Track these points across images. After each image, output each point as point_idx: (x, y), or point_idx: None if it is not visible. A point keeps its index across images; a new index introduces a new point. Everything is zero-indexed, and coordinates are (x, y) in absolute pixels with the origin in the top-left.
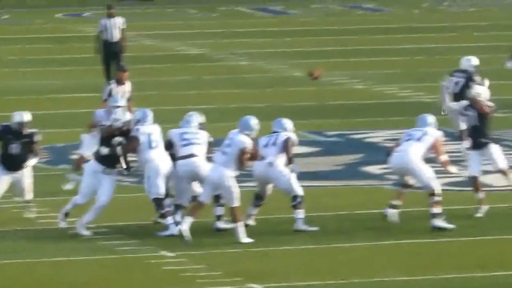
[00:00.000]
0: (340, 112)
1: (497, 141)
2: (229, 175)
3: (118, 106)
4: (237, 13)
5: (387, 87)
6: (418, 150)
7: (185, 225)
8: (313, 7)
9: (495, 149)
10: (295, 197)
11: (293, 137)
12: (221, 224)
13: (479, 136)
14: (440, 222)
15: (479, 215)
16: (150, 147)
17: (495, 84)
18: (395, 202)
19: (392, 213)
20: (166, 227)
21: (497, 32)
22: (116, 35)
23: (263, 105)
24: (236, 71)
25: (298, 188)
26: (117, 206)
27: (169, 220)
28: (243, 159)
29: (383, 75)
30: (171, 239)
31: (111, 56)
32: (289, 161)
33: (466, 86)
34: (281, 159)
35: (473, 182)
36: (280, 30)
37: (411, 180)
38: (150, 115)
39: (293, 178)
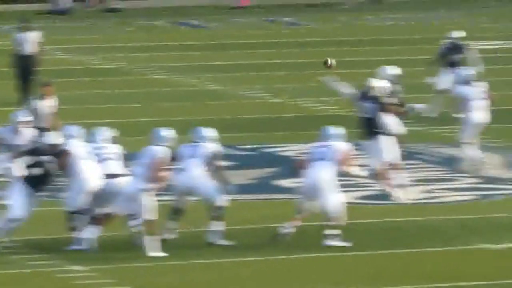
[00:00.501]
0: (255, 126)
1: (411, 155)
2: (144, 187)
3: (21, 122)
4: (154, 27)
5: (302, 101)
6: (330, 171)
7: (92, 234)
8: (232, 20)
9: (385, 140)
10: (218, 207)
11: (216, 148)
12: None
13: (372, 127)
14: (335, 242)
15: (399, 197)
16: (81, 161)
17: (414, 98)
18: (295, 224)
19: (288, 231)
20: (76, 241)
21: (416, 45)
22: (31, 49)
23: (179, 118)
24: (153, 85)
25: (223, 199)
26: (29, 220)
27: (80, 234)
28: (158, 170)
29: (298, 88)
30: (82, 253)
31: (26, 70)
32: (222, 177)
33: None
34: (203, 170)
35: (378, 172)
36: (198, 44)
37: (310, 208)
38: (80, 130)
39: (218, 188)
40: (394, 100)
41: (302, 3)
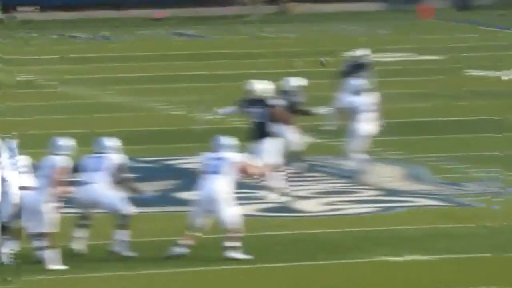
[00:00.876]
0: (156, 138)
1: (312, 167)
2: (44, 199)
3: None
4: (55, 39)
5: (204, 113)
6: (225, 184)
7: (10, 248)
8: (138, 33)
9: (269, 143)
10: (123, 216)
11: (120, 159)
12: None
13: (260, 130)
14: (236, 254)
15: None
16: (5, 172)
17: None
18: (188, 243)
19: (181, 251)
20: None
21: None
22: None
23: (80, 131)
24: (53, 97)
25: (128, 208)
26: None
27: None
28: (59, 180)
29: (201, 100)
30: None
31: None
32: (130, 187)
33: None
34: (107, 181)
35: (261, 174)
36: (100, 56)
37: (202, 223)
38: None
39: (123, 198)
40: (280, 102)
41: (212, 15)
